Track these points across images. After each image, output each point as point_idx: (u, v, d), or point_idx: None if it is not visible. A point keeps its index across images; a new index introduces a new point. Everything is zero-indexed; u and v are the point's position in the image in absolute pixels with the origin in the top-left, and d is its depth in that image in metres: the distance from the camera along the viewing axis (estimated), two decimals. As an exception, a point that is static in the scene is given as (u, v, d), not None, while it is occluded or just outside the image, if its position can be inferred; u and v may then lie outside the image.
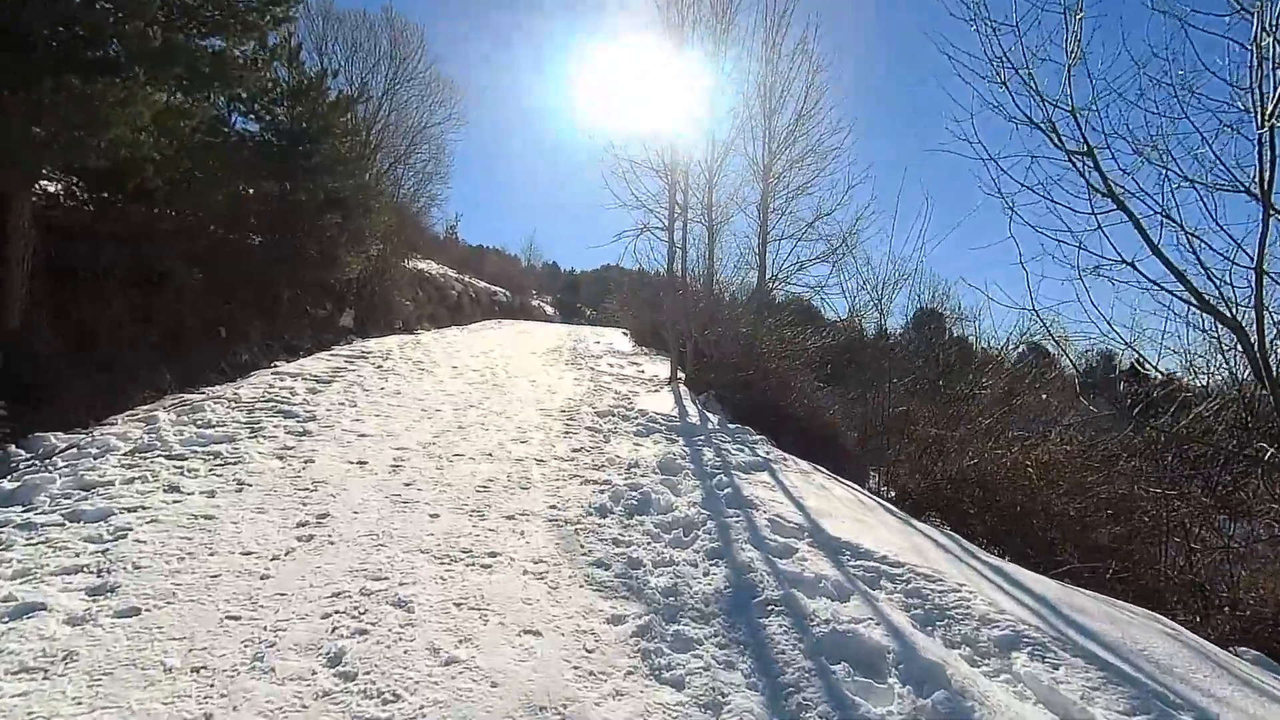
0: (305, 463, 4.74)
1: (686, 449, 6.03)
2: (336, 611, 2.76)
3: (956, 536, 4.93)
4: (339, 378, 7.94)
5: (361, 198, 11.53)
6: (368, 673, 2.38)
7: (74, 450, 4.57)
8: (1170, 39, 4.95)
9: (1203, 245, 4.88)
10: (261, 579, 3.01)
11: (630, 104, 12.65)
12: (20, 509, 3.58)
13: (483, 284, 24.10)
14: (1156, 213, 5.11)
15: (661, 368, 12.53)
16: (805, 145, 10.40)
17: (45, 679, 2.24)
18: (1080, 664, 2.84)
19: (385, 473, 4.72)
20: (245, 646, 2.48)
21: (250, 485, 4.18)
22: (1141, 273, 5.64)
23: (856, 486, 6.28)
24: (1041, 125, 5.74)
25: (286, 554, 3.29)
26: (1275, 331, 4.66)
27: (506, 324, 20.40)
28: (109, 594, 2.79)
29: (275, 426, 5.56)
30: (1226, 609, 5.40)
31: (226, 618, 2.66)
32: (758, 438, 7.20)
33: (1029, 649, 2.93)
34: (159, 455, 4.56)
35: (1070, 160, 5.63)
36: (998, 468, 7.15)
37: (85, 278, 6.63)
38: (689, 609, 3.10)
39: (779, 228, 10.75)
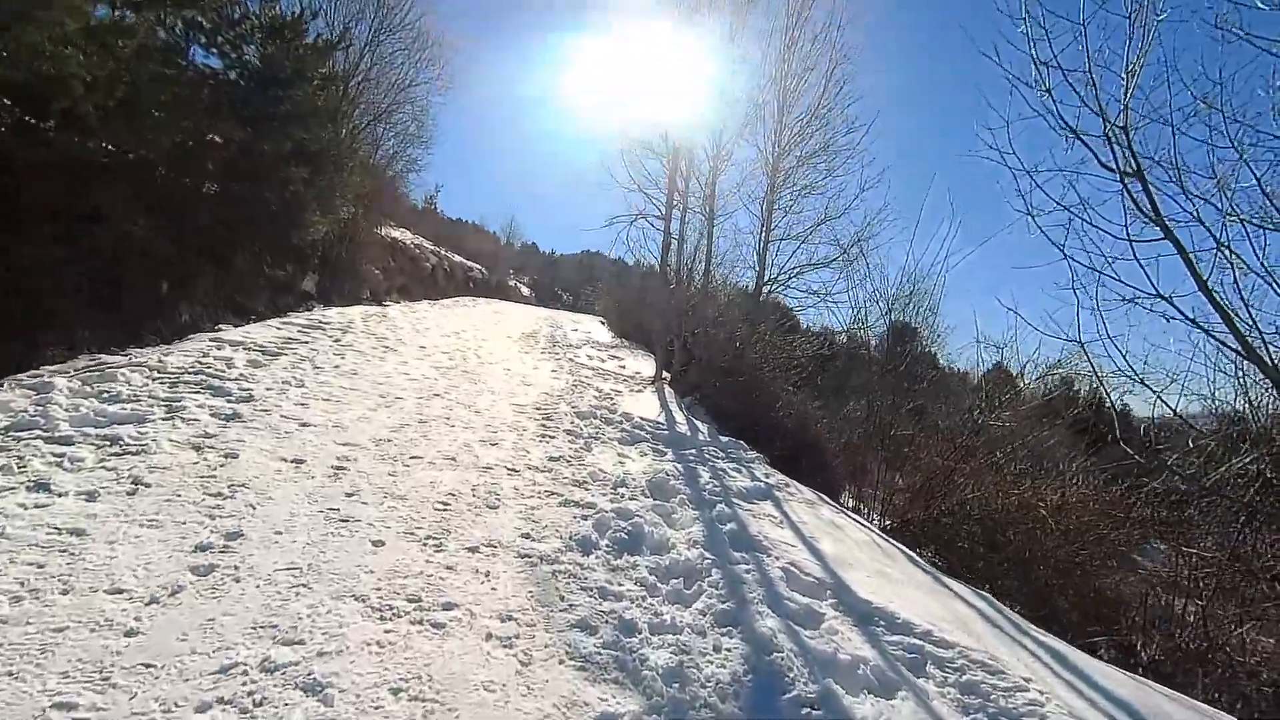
0: (226, 457, 3.89)
1: (679, 466, 5.31)
2: (219, 701, 1.97)
3: (992, 599, 4.31)
4: (288, 350, 7.02)
5: (334, 153, 10.51)
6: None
7: (-72, 422, 3.66)
8: (1224, 62, 4.44)
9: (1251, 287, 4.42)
10: (126, 636, 2.20)
11: (635, 84, 11.83)
12: None
13: (459, 259, 23.00)
14: (1210, 249, 4.59)
15: (644, 364, 11.80)
16: (820, 140, 9.70)
17: None
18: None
19: (324, 477, 3.90)
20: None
21: (148, 486, 3.32)
22: (1178, 308, 5.14)
23: (866, 523, 5.64)
24: (1087, 140, 5.16)
25: (171, 595, 2.47)
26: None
27: (482, 302, 19.43)
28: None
29: (199, 407, 4.67)
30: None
31: (51, 708, 1.85)
32: (753, 455, 6.52)
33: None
34: (38, 437, 3.65)
35: (1122, 181, 5.06)
36: (1005, 505, 6.60)
37: (-1, 209, 5.64)
38: (700, 703, 2.39)
39: (783, 226, 10.05)
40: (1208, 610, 5.75)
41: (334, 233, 12.09)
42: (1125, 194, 4.97)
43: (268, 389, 5.44)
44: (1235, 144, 4.36)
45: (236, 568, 2.73)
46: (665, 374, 10.00)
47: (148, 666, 2.07)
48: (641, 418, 6.91)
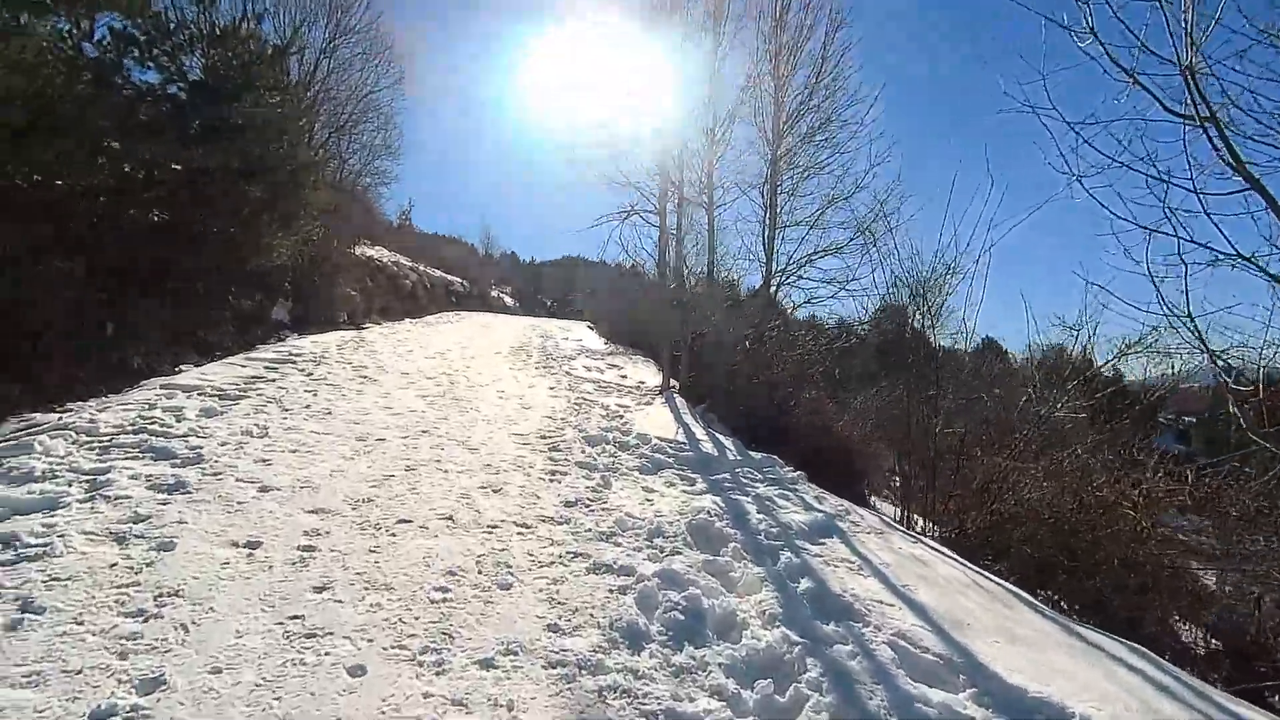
0: (158, 550, 3.01)
1: (717, 501, 4.47)
2: None
3: (1148, 653, 3.48)
4: (252, 391, 6.12)
5: (293, 168, 9.57)
6: None
7: None
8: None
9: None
10: None
11: (614, 74, 10.99)
12: None
13: (439, 273, 22.03)
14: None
15: (645, 371, 10.97)
16: (823, 114, 8.90)
17: None
18: None
19: (286, 565, 3.03)
20: None
21: (38, 614, 2.44)
22: (1265, 270, 4.43)
23: (952, 555, 4.80)
24: (1147, 84, 4.40)
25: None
26: None
27: (466, 316, 18.52)
28: None
29: (132, 478, 3.78)
30: None
31: None
32: (792, 473, 5.70)
33: None
34: (-103, 550, 2.77)
35: (1202, 126, 4.30)
36: (1081, 505, 5.81)
37: None
38: None
39: (790, 209, 9.23)
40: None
41: (304, 255, 11.14)
42: (1206, 141, 4.23)
43: (222, 444, 4.55)
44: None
45: (147, 746, 1.86)
46: (674, 382, 9.17)
47: None
48: (659, 438, 6.09)
